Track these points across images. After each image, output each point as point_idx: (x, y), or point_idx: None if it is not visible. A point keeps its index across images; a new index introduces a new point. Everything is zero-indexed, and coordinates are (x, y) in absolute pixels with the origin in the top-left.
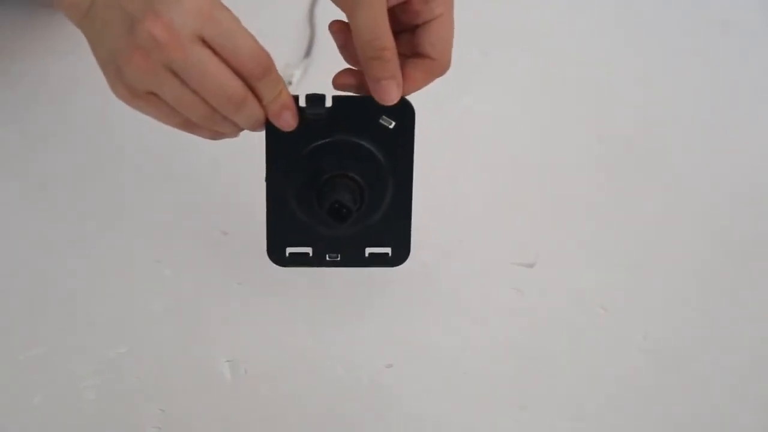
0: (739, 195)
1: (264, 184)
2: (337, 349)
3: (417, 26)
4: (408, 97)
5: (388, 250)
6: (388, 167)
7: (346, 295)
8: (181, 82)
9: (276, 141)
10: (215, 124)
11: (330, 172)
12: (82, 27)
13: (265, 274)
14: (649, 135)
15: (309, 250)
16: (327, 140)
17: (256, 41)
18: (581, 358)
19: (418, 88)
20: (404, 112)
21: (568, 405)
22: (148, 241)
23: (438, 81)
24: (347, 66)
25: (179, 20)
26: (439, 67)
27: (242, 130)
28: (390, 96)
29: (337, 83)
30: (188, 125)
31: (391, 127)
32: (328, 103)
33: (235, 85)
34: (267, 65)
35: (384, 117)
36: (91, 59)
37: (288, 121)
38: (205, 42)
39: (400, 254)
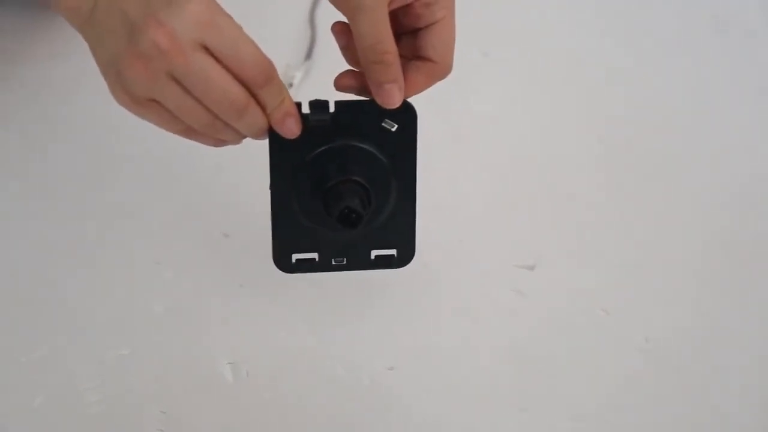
0: (741, 196)
1: (268, 192)
2: (338, 351)
3: (419, 29)
4: (409, 99)
5: (393, 251)
6: (391, 170)
7: (347, 296)
8: (183, 89)
9: (279, 148)
10: (217, 131)
11: (336, 178)
12: (83, 32)
13: (266, 275)
14: (649, 136)
15: (315, 255)
16: (330, 146)
17: (258, 48)
18: (582, 360)
19: (420, 91)
20: (406, 115)
21: (568, 407)
22: (149, 242)
23: (438, 82)
24: (348, 68)
25: (181, 27)
26: (441, 70)
27: (244, 137)
28: (392, 99)
29: (338, 84)
30: (190, 132)
31: (394, 130)
32: (331, 108)
33: (237, 91)
34: (269, 73)
35: (386, 120)
36: (92, 62)
37: (291, 129)
38: (206, 49)
39: (406, 255)
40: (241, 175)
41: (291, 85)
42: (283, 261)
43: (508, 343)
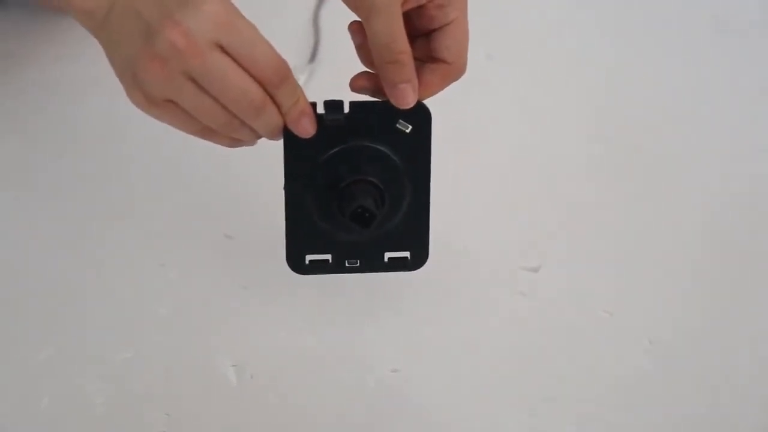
0: (745, 196)
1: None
2: (342, 353)
3: (432, 31)
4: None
5: (407, 254)
6: (405, 171)
7: (351, 299)
8: (200, 88)
9: (294, 148)
10: (234, 130)
11: (349, 178)
12: (98, 35)
13: (270, 277)
14: (653, 138)
15: (328, 257)
16: (344, 146)
17: (273, 49)
18: (587, 362)
19: (435, 93)
20: (420, 116)
21: (573, 408)
22: (153, 244)
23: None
24: (361, 69)
25: (197, 27)
26: (455, 71)
27: (260, 137)
28: (406, 100)
29: (353, 85)
30: (206, 133)
31: (408, 131)
32: (346, 109)
33: (254, 90)
34: (285, 72)
35: (400, 121)
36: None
37: (306, 128)
38: (223, 49)
39: (420, 258)
40: (246, 177)
41: None
42: (296, 262)
43: (512, 344)
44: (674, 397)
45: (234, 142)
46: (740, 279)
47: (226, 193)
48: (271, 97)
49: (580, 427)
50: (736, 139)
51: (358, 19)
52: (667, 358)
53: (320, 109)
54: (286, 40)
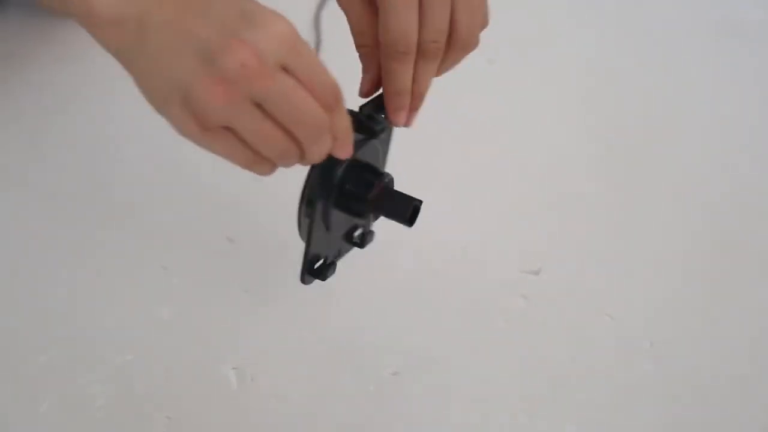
0: (748, 199)
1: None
2: (343, 356)
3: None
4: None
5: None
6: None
7: (352, 302)
8: (263, 113)
9: (323, 170)
10: (288, 157)
11: (381, 180)
12: (125, 54)
13: (271, 281)
14: (655, 141)
15: (323, 259)
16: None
17: (328, 70)
18: (588, 365)
19: (450, 68)
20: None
21: (574, 411)
22: (154, 248)
23: (444, 89)
24: (361, 69)
25: (266, 47)
26: (467, 43)
27: (304, 163)
28: (400, 121)
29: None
30: (254, 163)
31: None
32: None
33: (321, 113)
34: (339, 95)
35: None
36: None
37: (350, 150)
38: (287, 71)
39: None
40: (246, 182)
41: None
42: (308, 277)
43: (513, 347)
44: (675, 398)
45: (273, 170)
46: (741, 281)
47: (228, 196)
48: None
49: (581, 427)
50: (737, 140)
51: (345, 26)
52: (668, 361)
53: None
54: None
